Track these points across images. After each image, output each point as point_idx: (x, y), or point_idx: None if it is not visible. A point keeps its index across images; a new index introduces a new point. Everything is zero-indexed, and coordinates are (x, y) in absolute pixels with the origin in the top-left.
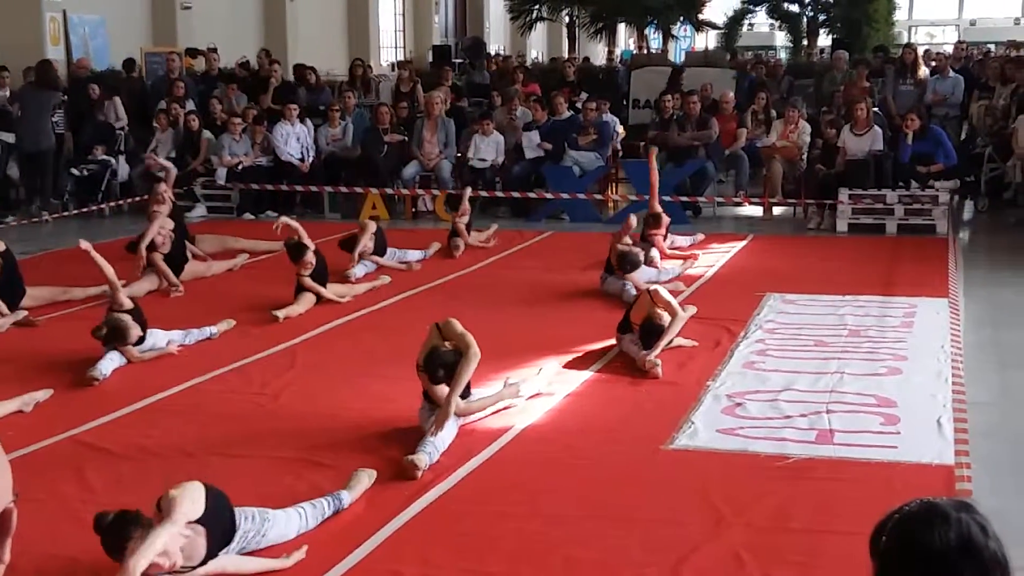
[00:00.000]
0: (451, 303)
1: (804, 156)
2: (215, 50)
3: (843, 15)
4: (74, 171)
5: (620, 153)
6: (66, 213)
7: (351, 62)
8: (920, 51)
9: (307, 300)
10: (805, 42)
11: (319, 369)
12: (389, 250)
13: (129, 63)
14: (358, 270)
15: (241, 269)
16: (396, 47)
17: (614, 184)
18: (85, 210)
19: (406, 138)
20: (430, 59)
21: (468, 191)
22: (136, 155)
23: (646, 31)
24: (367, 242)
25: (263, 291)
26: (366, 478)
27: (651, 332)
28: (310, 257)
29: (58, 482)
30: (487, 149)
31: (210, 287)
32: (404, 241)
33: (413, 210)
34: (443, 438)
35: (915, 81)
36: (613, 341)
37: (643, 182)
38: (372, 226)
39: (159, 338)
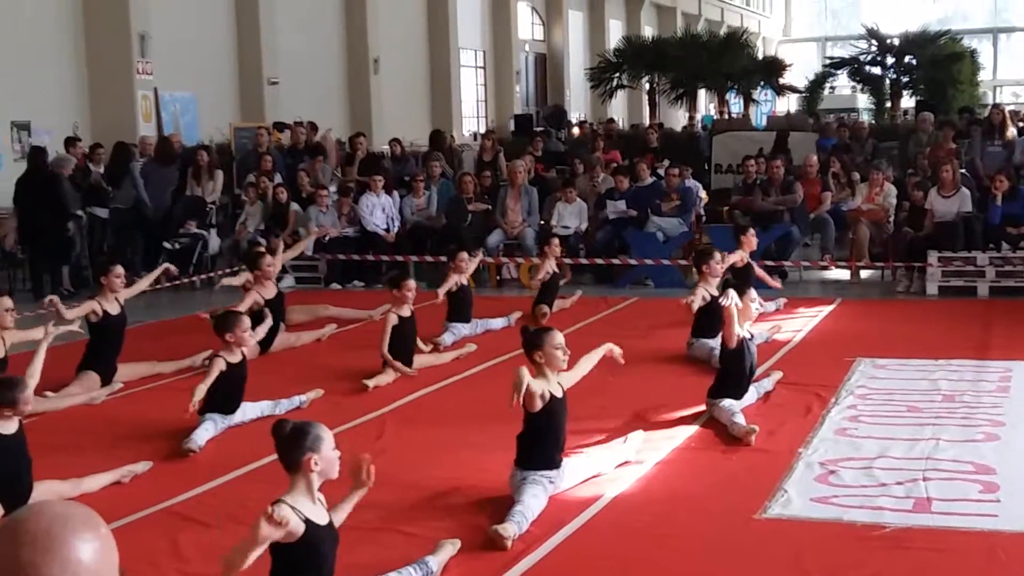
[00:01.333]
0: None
1: (891, 219)
2: (301, 123)
3: (926, 76)
4: (166, 244)
5: (703, 218)
6: (158, 286)
7: (431, 132)
8: (1007, 111)
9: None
10: (888, 104)
11: (408, 438)
12: (472, 320)
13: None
14: (446, 338)
15: (329, 339)
16: (478, 116)
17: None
18: (177, 283)
19: (490, 207)
20: (512, 128)
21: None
22: (227, 228)
23: (727, 96)
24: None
25: (351, 360)
26: (450, 546)
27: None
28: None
29: (154, 553)
30: (570, 216)
31: (299, 357)
32: (488, 309)
33: (498, 278)
34: (533, 507)
35: (1003, 142)
36: (703, 407)
37: (728, 247)
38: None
39: (248, 411)
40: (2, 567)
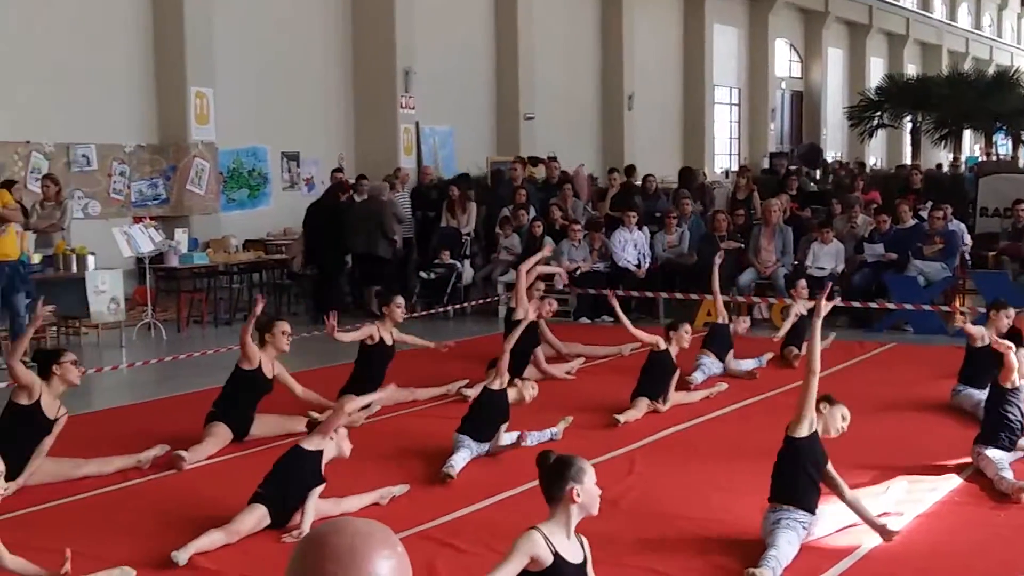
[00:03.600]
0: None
1: None
2: (555, 158)
3: None
4: (422, 274)
5: (969, 263)
6: (415, 314)
7: (680, 169)
8: None
9: (643, 405)
10: None
11: (657, 476)
12: (724, 360)
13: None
14: (697, 376)
15: (578, 372)
16: (730, 154)
17: (962, 295)
18: (432, 312)
19: (743, 245)
20: (765, 166)
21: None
22: (481, 259)
23: (994, 137)
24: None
25: (601, 394)
26: None
27: None
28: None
29: None
30: (826, 257)
31: (549, 389)
32: (739, 349)
33: (749, 317)
34: (787, 554)
35: None
36: (968, 459)
37: (992, 293)
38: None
39: (504, 438)
40: None
